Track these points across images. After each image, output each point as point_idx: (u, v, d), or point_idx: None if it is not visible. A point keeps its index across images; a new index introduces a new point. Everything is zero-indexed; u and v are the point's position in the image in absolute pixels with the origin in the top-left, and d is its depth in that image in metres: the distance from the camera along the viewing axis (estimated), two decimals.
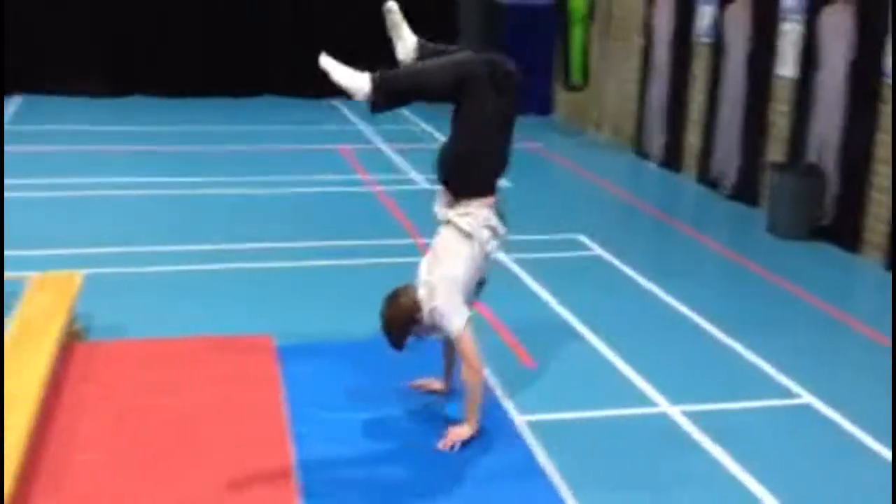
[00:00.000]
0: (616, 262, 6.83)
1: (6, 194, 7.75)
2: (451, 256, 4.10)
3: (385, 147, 10.22)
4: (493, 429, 4.27)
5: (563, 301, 5.99)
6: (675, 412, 4.60)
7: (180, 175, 8.55)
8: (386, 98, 4.07)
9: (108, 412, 4.28)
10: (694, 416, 4.54)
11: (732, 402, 4.75)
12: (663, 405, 4.68)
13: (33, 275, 5.29)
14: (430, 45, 4.38)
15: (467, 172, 4.18)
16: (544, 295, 6.12)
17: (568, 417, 4.55)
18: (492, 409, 4.46)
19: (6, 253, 6.38)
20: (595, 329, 5.57)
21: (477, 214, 4.13)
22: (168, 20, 12.06)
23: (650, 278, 6.49)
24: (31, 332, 4.47)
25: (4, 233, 6.00)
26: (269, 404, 4.38)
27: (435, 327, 4.10)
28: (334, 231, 7.26)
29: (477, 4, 13.19)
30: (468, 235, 4.11)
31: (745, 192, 8.60)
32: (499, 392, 4.67)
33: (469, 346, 4.07)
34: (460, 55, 4.21)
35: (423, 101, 4.32)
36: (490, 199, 4.21)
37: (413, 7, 13.94)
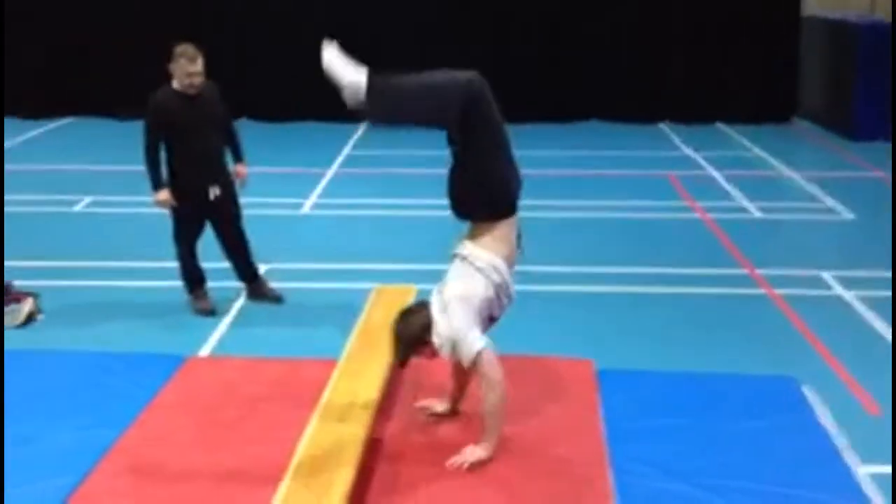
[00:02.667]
0: None
1: (351, 213, 8.44)
2: (465, 281, 3.93)
3: (716, 174, 9.85)
4: (831, 479, 3.93)
5: None
6: None
7: None
8: (382, 106, 3.85)
9: (437, 417, 4.46)
10: None
11: None
12: None
13: (373, 286, 5.68)
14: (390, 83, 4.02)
15: (489, 195, 3.96)
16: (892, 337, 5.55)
17: None
18: (830, 458, 4.10)
19: (353, 266, 6.94)
20: None
21: (490, 260, 3.94)
22: (501, 47, 12.48)
23: None
24: (371, 340, 4.80)
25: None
26: (588, 426, 4.35)
27: (451, 350, 3.91)
28: (660, 257, 7.11)
29: (822, 24, 12.39)
30: (480, 270, 3.93)
31: None
32: (839, 440, 4.28)
33: (488, 366, 3.86)
34: (445, 74, 3.94)
35: (423, 121, 4.00)
36: (513, 222, 4.02)
37: (755, 31, 13.26)
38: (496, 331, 5.62)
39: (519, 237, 4.13)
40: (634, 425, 4.39)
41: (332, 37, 3.89)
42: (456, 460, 3.98)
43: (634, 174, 9.92)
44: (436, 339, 3.93)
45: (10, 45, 12.65)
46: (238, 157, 6.15)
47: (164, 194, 5.85)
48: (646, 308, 6.14)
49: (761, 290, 6.41)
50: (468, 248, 4.02)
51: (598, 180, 9.67)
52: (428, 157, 10.77)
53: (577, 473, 3.97)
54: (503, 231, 4.02)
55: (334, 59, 3.87)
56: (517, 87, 12.50)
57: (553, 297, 6.33)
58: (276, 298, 6.20)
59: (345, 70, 3.84)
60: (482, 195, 3.97)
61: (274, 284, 6.33)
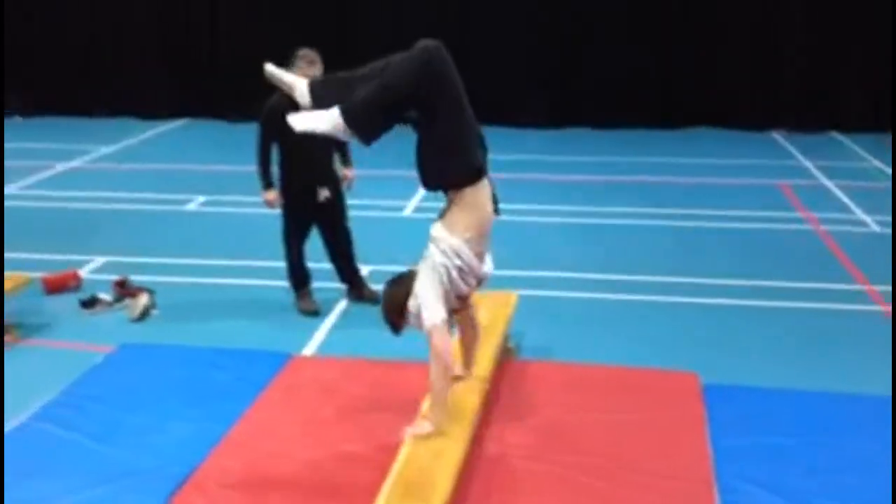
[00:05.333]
0: None
1: None
2: (432, 259, 4.00)
3: (830, 184, 9.51)
4: None
5: None
6: None
7: (610, 205, 8.71)
8: (363, 122, 3.92)
9: (534, 426, 4.46)
10: None
11: None
12: None
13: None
14: (331, 77, 4.19)
15: (452, 163, 3.95)
16: None
17: None
18: None
19: None
20: None
21: (451, 243, 3.96)
22: (603, 50, 12.32)
23: None
24: None
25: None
26: (693, 442, 4.25)
27: (416, 317, 3.98)
28: (771, 269, 6.90)
29: None
30: (443, 252, 3.98)
31: None
32: None
33: (439, 343, 3.93)
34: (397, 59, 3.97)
35: (400, 109, 3.97)
36: (480, 188, 4.00)
37: (873, 37, 12.50)
38: (610, 339, 5.61)
39: (495, 202, 4.16)
40: (742, 442, 4.27)
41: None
42: (404, 431, 4.01)
43: (745, 183, 9.66)
44: (410, 306, 4.05)
45: (131, 49, 13.18)
46: (346, 161, 6.26)
47: (272, 194, 6.03)
48: (755, 322, 5.97)
49: (877, 307, 6.15)
50: (436, 228, 4.09)
51: (707, 188, 9.45)
52: (531, 161, 10.74)
53: (680, 490, 3.89)
54: (472, 199, 4.03)
55: (273, 70, 4.21)
56: (626, 93, 12.38)
57: (658, 308, 6.22)
58: (378, 300, 6.23)
59: (321, 121, 4.07)
60: (445, 163, 4.01)
61: (375, 287, 6.39)
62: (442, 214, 4.10)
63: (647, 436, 4.34)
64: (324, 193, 6.00)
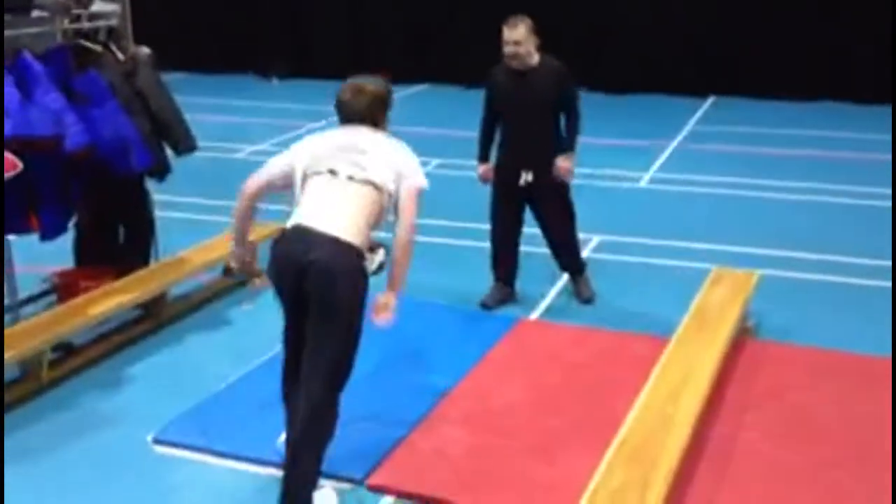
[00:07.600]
0: None
1: (691, 189, 8.16)
2: None
3: None
4: None
5: None
6: None
7: (854, 184, 8.09)
8: None
9: (773, 410, 4.25)
10: None
11: None
12: None
13: (710, 267, 5.46)
14: None
15: None
16: None
17: None
18: None
19: (690, 244, 6.72)
20: None
21: None
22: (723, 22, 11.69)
23: None
24: (706, 322, 4.63)
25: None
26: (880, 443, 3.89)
27: None
28: None
29: None
30: None
31: None
32: None
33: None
34: None
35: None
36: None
37: None
38: (857, 325, 5.24)
39: None
40: None
41: None
42: None
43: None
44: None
45: (377, 20, 13.69)
46: (563, 148, 5.40)
47: (482, 168, 5.62)
48: None
49: None
50: None
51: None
52: (781, 136, 10.13)
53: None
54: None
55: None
56: (746, 63, 11.78)
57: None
58: (586, 300, 5.68)
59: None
60: None
61: (607, 257, 6.28)
62: None
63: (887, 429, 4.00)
64: (527, 177, 5.37)
